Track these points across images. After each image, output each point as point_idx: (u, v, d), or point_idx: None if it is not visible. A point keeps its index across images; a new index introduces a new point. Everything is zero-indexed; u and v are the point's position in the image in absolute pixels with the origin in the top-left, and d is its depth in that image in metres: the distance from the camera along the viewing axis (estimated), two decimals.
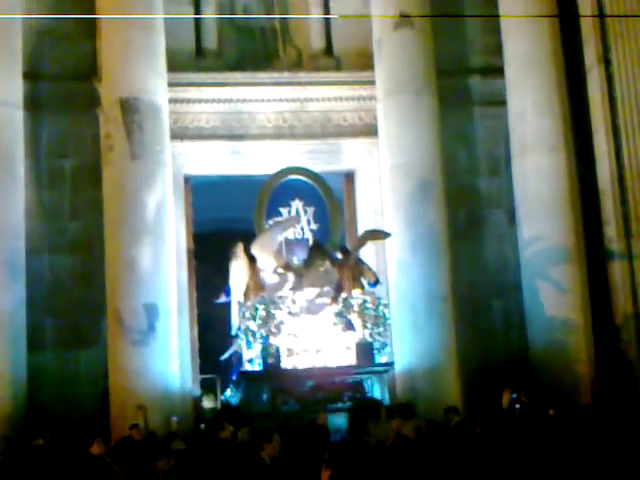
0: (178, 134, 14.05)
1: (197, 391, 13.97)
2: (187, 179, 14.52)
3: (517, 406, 10.24)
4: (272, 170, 14.59)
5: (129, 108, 12.88)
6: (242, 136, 14.52)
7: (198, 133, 14.42)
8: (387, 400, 12.21)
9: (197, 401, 13.76)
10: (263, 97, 14.55)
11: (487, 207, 14.90)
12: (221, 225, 16.03)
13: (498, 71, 14.36)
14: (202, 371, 14.24)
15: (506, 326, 14.47)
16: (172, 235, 13.11)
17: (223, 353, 13.10)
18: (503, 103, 14.26)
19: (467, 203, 14.79)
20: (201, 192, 14.64)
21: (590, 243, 13.88)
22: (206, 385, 14.31)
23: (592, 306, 13.59)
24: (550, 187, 13.67)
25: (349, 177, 15.00)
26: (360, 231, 14.50)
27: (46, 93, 14.06)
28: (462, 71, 14.99)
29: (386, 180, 13.77)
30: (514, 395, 10.66)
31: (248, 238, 13.21)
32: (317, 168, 14.67)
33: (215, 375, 14.55)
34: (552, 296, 13.39)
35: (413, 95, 13.55)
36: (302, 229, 13.51)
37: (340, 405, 11.79)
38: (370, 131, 14.36)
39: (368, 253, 14.15)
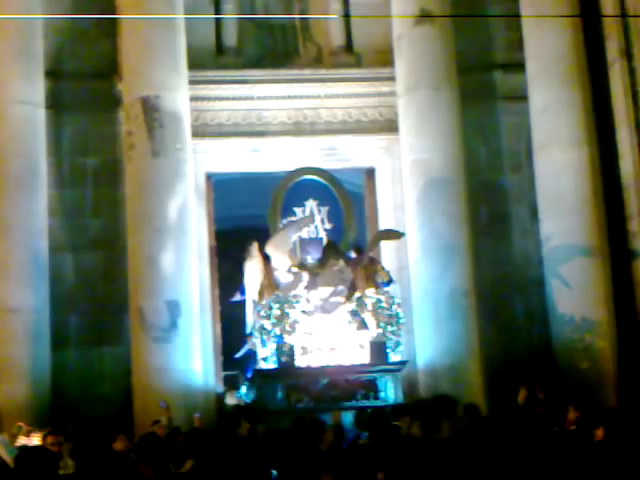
0: (199, 132, 14.08)
1: (220, 388, 14.05)
2: (208, 177, 14.57)
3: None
4: (293, 167, 14.68)
5: (150, 106, 12.94)
6: (262, 133, 14.57)
7: (219, 130, 14.47)
8: (400, 398, 12.30)
9: (220, 398, 13.82)
10: (283, 94, 14.57)
11: (509, 203, 14.89)
12: (242, 222, 16.08)
13: (520, 66, 14.33)
14: (225, 368, 14.29)
15: (528, 322, 14.46)
16: (194, 232, 13.17)
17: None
18: (525, 98, 14.22)
19: (489, 199, 14.78)
20: (222, 189, 14.70)
21: (613, 239, 13.83)
22: (229, 382, 14.38)
23: (615, 303, 13.55)
24: (572, 183, 13.63)
25: (370, 173, 15.01)
26: (381, 227, 14.56)
27: (67, 92, 14.17)
28: (483, 66, 14.96)
29: (407, 176, 13.77)
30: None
31: (268, 235, 13.32)
32: (337, 165, 14.80)
33: (238, 372, 14.61)
34: (574, 292, 13.36)
35: (433, 90, 13.55)
36: (316, 228, 13.61)
37: (353, 403, 11.95)
38: (391, 127, 14.37)
39: (389, 250, 14.23)
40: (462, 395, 12.10)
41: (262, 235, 13.60)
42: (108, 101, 14.11)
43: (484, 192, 14.69)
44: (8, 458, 8.41)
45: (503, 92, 15.00)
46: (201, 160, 14.25)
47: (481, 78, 14.90)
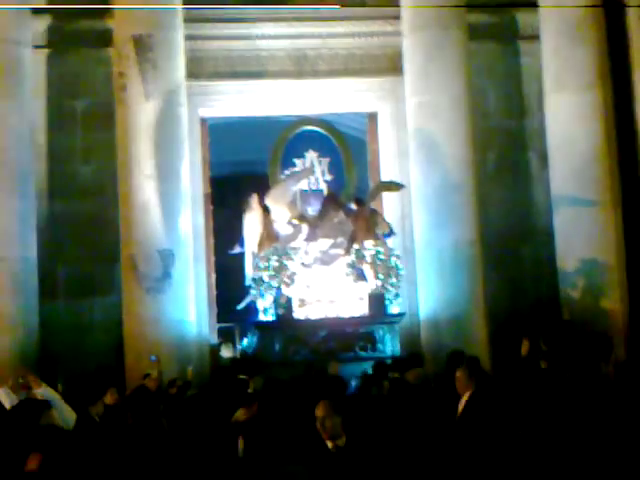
0: (194, 73, 13.87)
1: (214, 340, 14.06)
2: (203, 120, 14.44)
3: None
4: (293, 110, 14.52)
5: (142, 46, 12.72)
6: (261, 74, 14.40)
7: (215, 72, 14.30)
8: (397, 351, 12.45)
9: (215, 350, 13.81)
10: (283, 33, 14.36)
11: (518, 149, 14.78)
12: (239, 168, 16.01)
13: (531, 4, 14.03)
14: (220, 320, 14.29)
15: (536, 273, 14.42)
16: (188, 179, 13.03)
17: (241, 301, 13.20)
18: (536, 38, 13.97)
19: (497, 145, 14.69)
20: (218, 134, 14.56)
21: (626, 186, 13.65)
22: (224, 334, 14.34)
23: (627, 250, 13.43)
24: (585, 127, 13.41)
25: (372, 118, 14.89)
26: (384, 174, 14.41)
27: (56, 31, 13.95)
28: (493, 5, 14.64)
29: (411, 120, 13.59)
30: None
31: (266, 182, 13.25)
32: (339, 108, 14.75)
33: (234, 324, 14.56)
34: (585, 240, 13.24)
35: (441, 30, 13.30)
36: (316, 180, 13.66)
37: (351, 355, 12.12)
38: (395, 68, 14.15)
39: (391, 198, 14.13)
40: (466, 347, 12.06)
41: (260, 182, 13.53)
42: (99, 40, 13.89)
43: (492, 137, 14.58)
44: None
45: (513, 31, 14.77)
46: (196, 103, 14.07)
47: (490, 17, 14.65)
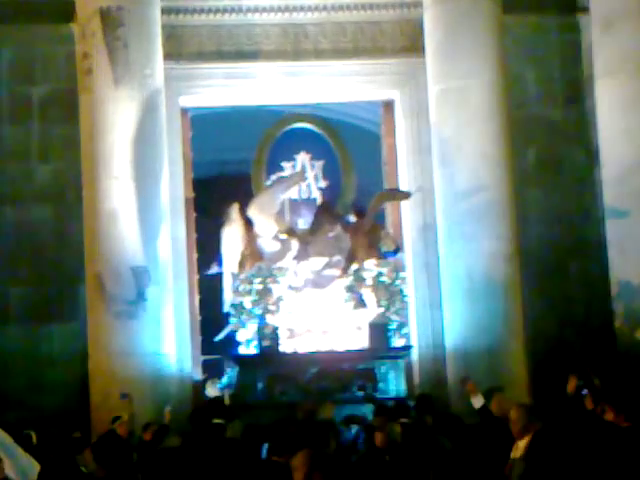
0: (173, 54, 13.97)
1: (198, 375, 14.06)
2: (184, 111, 14.50)
3: (584, 392, 10.20)
4: (291, 99, 14.57)
5: (111, 20, 12.78)
6: (253, 55, 14.45)
7: (198, 52, 14.36)
8: (402, 391, 12.63)
9: (199, 387, 13.78)
10: (279, 4, 14.40)
11: (563, 144, 14.80)
12: (228, 169, 16.12)
13: None
14: (205, 351, 14.31)
15: (586, 293, 14.44)
16: (166, 180, 13.05)
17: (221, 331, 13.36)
18: (584, 10, 13.99)
19: (537, 139, 14.72)
20: (202, 127, 14.61)
21: None
22: (210, 368, 14.34)
23: None
24: None
25: (388, 107, 14.95)
26: (401, 175, 14.45)
27: (6, 3, 13.93)
28: None
29: (434, 109, 13.60)
30: (579, 383, 10.64)
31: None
32: (348, 96, 14.83)
33: (222, 356, 14.56)
34: None
35: (469, 1, 13.30)
36: (308, 187, 13.79)
37: (348, 396, 12.29)
38: (415, 47, 14.21)
39: (411, 204, 14.28)
40: (501, 383, 12.03)
41: (249, 187, 13.53)
42: (58, 14, 13.91)
43: (531, 130, 14.61)
44: None
45: (558, 3, 14.80)
46: (176, 90, 14.13)
47: None
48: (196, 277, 14.26)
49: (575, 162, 14.78)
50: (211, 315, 14.22)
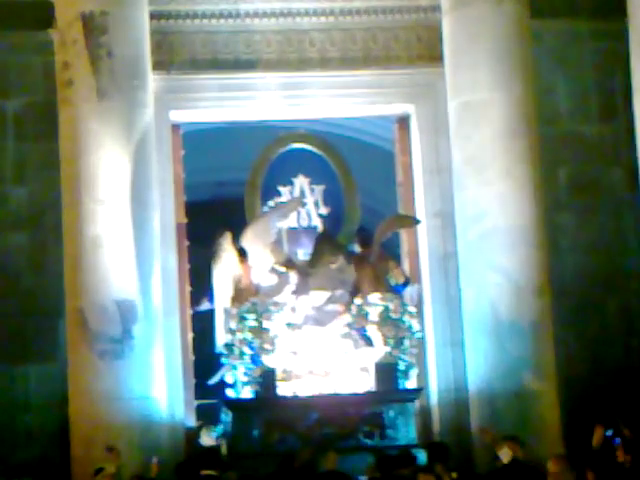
0: (163, 63, 14.06)
1: (192, 422, 14.05)
2: (176, 127, 14.56)
3: (617, 441, 10.25)
4: (294, 114, 14.63)
5: (94, 27, 12.84)
6: (252, 65, 14.50)
7: (191, 61, 14.42)
8: (413, 439, 12.67)
9: (192, 435, 13.76)
10: (281, 9, 14.48)
11: (598, 163, 14.83)
12: (224, 191, 16.11)
13: None
14: (199, 395, 14.31)
15: (626, 332, 14.44)
16: (156, 204, 13.10)
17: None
18: (622, 15, 14.01)
19: (570, 158, 14.75)
20: (196, 145, 14.65)
21: None
22: (205, 414, 14.35)
23: None
24: None
25: (403, 122, 15.00)
26: (418, 197, 14.52)
27: None
28: None
29: (454, 124, 13.69)
30: (608, 432, 10.70)
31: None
32: (358, 110, 14.94)
33: (218, 400, 14.57)
34: None
35: (493, 4, 13.40)
36: (308, 214, 13.86)
37: (353, 443, 12.28)
38: (433, 56, 14.32)
39: (429, 231, 14.28)
40: (531, 432, 12.08)
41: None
42: (36, 20, 13.96)
43: (564, 148, 14.66)
44: None
45: (592, 7, 14.83)
46: (166, 103, 14.19)
47: None
48: (189, 312, 14.25)
49: (612, 183, 14.79)
50: (206, 355, 14.20)
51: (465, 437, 12.96)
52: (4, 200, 14.06)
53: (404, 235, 14.65)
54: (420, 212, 14.53)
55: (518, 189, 13.28)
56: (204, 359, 14.23)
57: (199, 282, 14.24)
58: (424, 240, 14.43)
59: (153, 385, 12.60)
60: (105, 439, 11.88)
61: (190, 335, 14.25)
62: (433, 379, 13.93)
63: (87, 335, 12.43)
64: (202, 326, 14.27)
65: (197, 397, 14.26)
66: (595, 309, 14.47)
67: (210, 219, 14.41)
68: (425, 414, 13.95)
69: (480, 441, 12.18)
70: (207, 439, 13.43)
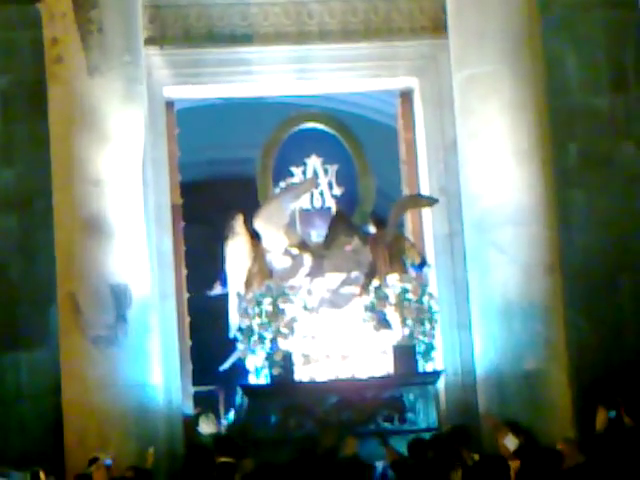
0: (156, 37, 14.08)
1: (190, 409, 14.08)
2: (169, 104, 14.56)
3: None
4: (292, 89, 14.62)
5: (84, 0, 12.80)
6: (249, 39, 14.48)
7: (185, 35, 14.40)
8: (434, 422, 12.88)
9: (190, 423, 13.82)
10: None
11: (610, 137, 14.82)
12: (220, 170, 16.11)
13: None
14: (197, 381, 14.36)
15: (639, 311, 14.42)
16: (149, 185, 13.10)
17: (225, 359, 13.48)
18: None
19: (580, 132, 14.75)
20: (190, 122, 14.70)
21: None
22: (203, 401, 14.41)
23: None
24: None
25: (406, 96, 15.03)
26: (422, 175, 14.58)
27: None
28: None
29: (459, 99, 13.67)
30: (610, 414, 10.74)
31: (256, 196, 13.40)
32: (359, 84, 14.93)
33: (216, 387, 14.65)
34: None
35: None
36: (321, 195, 14.01)
37: (373, 428, 12.46)
38: (437, 27, 14.33)
39: (435, 212, 14.33)
40: (541, 416, 12.13)
41: (250, 188, 13.58)
42: None
43: (573, 122, 14.66)
44: None
45: None
46: (159, 79, 14.22)
47: None
48: (185, 296, 14.28)
49: (624, 158, 14.79)
50: (203, 340, 14.27)
51: (472, 421, 12.98)
52: None
53: (408, 214, 14.67)
54: (424, 190, 14.54)
55: (526, 165, 13.25)
56: (202, 344, 14.27)
57: (196, 264, 14.28)
58: (428, 219, 14.47)
59: (149, 372, 12.62)
60: (99, 428, 12.00)
61: (187, 320, 14.25)
62: (440, 362, 13.96)
63: (80, 321, 12.44)
64: (198, 310, 14.34)
65: (194, 384, 14.28)
66: (607, 289, 14.47)
67: (206, 199, 14.47)
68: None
69: (487, 425, 12.26)
70: (206, 426, 13.53)
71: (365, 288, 13.27)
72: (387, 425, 12.68)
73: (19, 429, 13.37)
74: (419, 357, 13.06)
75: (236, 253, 13.51)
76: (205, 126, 14.80)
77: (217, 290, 13.87)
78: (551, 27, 14.17)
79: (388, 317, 13.13)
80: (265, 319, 12.85)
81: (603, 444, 9.35)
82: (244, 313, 13.07)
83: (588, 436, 10.60)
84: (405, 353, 12.99)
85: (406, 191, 14.96)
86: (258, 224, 13.37)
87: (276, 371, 12.71)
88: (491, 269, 13.22)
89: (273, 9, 14.58)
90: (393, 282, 13.25)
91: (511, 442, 10.25)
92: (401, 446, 10.63)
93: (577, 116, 14.77)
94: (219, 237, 13.72)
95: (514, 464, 8.69)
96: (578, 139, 14.78)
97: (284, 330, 12.86)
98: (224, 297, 13.72)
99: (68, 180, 12.80)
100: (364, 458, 10.21)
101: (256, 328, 12.86)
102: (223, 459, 9.99)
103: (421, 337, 13.11)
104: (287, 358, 12.81)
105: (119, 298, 12.54)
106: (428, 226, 14.54)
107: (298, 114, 14.41)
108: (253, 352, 12.93)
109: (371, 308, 13.18)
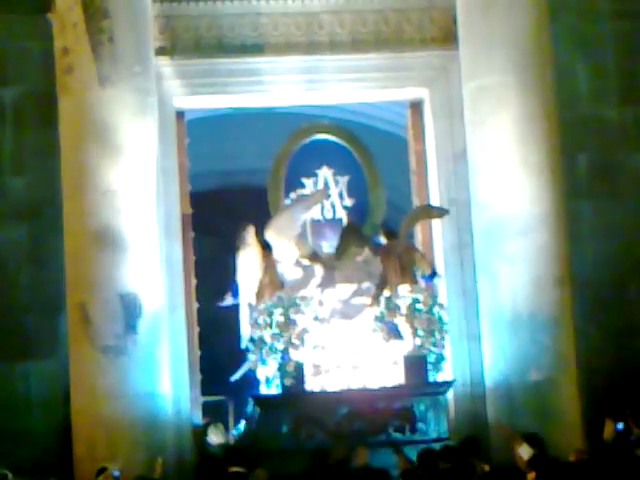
0: (167, 48, 14.16)
1: (198, 419, 14.15)
2: (180, 114, 14.64)
3: (632, 439, 10.33)
4: (303, 99, 14.68)
5: (95, 10, 12.87)
6: (259, 49, 14.54)
7: (195, 46, 14.46)
8: (444, 432, 12.93)
9: (199, 433, 13.87)
10: None
11: (619, 148, 14.83)
12: (230, 180, 16.11)
13: None
14: (206, 391, 14.43)
15: None
16: (159, 195, 13.12)
17: (236, 369, 13.51)
18: None
19: (590, 143, 14.76)
20: (200, 133, 14.74)
21: None
22: (212, 411, 14.43)
23: None
24: None
25: (416, 107, 15.10)
26: (432, 186, 14.64)
27: None
28: None
29: (469, 109, 13.70)
30: (618, 426, 10.77)
31: (267, 207, 13.43)
32: (369, 95, 14.97)
33: (226, 397, 14.69)
34: None
35: None
36: (332, 206, 14.09)
37: (384, 438, 12.51)
38: (447, 38, 14.39)
39: (445, 223, 14.44)
40: (550, 427, 12.16)
41: (260, 199, 13.64)
42: (33, 3, 13.99)
43: (584, 132, 14.68)
44: None
45: None
46: (169, 90, 14.30)
47: None
48: (195, 306, 14.34)
49: (634, 169, 14.81)
50: (212, 351, 14.31)
51: (482, 432, 12.99)
52: (2, 192, 14.13)
53: (418, 225, 14.71)
54: (434, 201, 14.60)
55: (536, 175, 13.25)
56: (211, 355, 14.32)
57: (205, 274, 14.34)
58: (438, 230, 14.55)
59: (158, 381, 12.66)
60: (108, 437, 12.03)
61: (196, 330, 14.31)
62: (449, 373, 13.99)
63: (89, 330, 12.47)
64: (208, 321, 14.39)
65: (203, 394, 14.35)
66: (617, 299, 14.47)
67: (216, 209, 14.47)
68: None
69: (497, 436, 12.29)
70: (215, 437, 13.57)
71: (376, 299, 13.33)
72: (398, 435, 12.73)
73: (28, 438, 13.36)
74: (430, 367, 13.12)
75: (247, 264, 13.55)
76: (215, 136, 14.82)
77: (228, 301, 13.87)
78: (561, 38, 14.19)
79: (399, 328, 13.19)
80: (276, 330, 12.95)
81: (611, 455, 9.37)
82: (255, 324, 13.17)
83: (596, 448, 10.63)
84: (416, 363, 13.08)
85: (416, 202, 15.01)
86: (269, 235, 13.44)
87: (288, 381, 12.79)
88: (501, 280, 13.24)
89: (283, 19, 14.63)
90: (404, 293, 13.33)
91: (525, 452, 10.29)
92: (412, 456, 10.67)
93: (587, 127, 14.77)
94: (229, 247, 13.73)
95: (530, 475, 8.77)
96: (588, 150, 14.78)
97: (295, 341, 12.95)
98: (233, 308, 13.77)
99: (78, 190, 12.83)
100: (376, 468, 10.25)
101: (267, 339, 12.97)
102: (235, 469, 10.03)
103: (431, 348, 13.18)
104: (298, 368, 12.88)
105: (129, 308, 12.56)
106: (438, 237, 14.61)
107: (309, 126, 14.50)
108: (264, 363, 13.02)
109: (382, 319, 13.26)
